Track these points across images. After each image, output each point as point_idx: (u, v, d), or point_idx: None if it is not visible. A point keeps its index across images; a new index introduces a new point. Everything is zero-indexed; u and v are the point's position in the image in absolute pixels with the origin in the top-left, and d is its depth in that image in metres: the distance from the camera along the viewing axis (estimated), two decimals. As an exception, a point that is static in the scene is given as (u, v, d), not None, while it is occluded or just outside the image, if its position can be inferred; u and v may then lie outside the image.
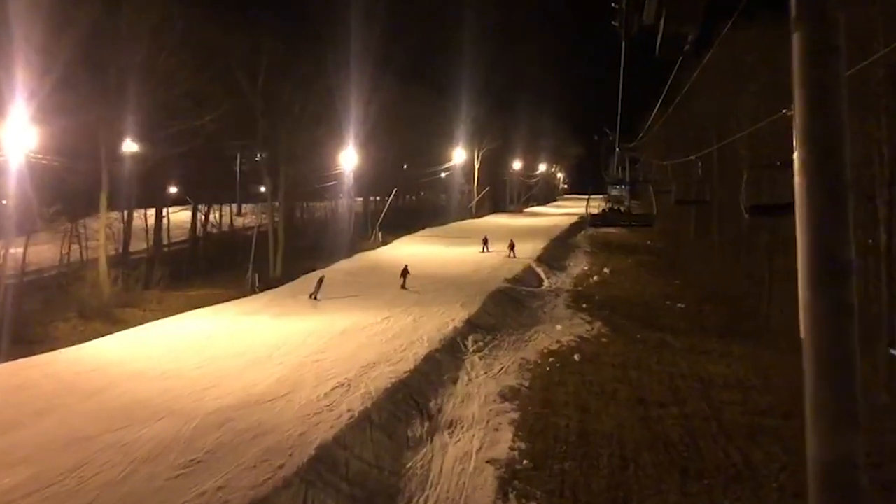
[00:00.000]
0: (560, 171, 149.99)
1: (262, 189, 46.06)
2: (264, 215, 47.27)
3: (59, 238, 38.02)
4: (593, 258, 55.95)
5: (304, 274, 40.18)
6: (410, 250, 51.20)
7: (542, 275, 45.37)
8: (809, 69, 3.44)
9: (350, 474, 15.77)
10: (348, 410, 18.40)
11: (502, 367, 25.91)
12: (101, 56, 31.65)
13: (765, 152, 32.48)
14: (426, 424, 19.96)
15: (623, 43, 9.94)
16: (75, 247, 38.54)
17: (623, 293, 42.45)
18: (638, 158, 41.41)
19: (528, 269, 45.36)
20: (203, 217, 50.82)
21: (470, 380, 24.24)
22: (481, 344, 27.96)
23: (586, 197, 57.26)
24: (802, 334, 3.39)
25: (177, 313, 30.69)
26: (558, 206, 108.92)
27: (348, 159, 52.51)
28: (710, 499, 16.69)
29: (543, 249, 53.92)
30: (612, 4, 6.05)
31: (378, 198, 67.61)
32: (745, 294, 38.23)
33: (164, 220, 47.20)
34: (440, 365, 24.46)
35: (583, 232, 67.80)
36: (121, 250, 41.23)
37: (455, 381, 23.77)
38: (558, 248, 57.69)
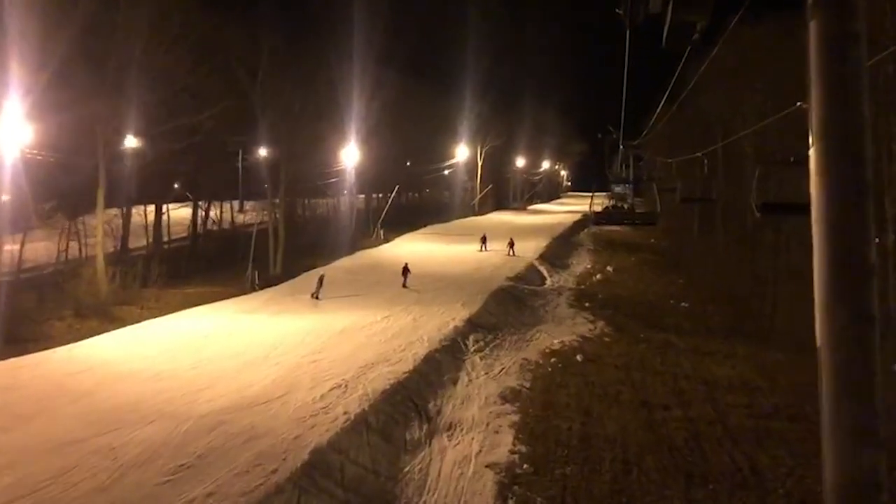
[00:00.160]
0: (564, 168, 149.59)
1: (266, 186, 45.58)
2: (265, 212, 46.87)
3: (56, 235, 37.59)
4: (596, 256, 55.60)
5: (304, 272, 39.90)
6: (412, 248, 50.92)
7: (545, 273, 45.02)
8: (827, 58, 3.14)
9: (345, 479, 15.37)
10: (345, 413, 18.01)
11: (503, 368, 25.52)
12: (97, 51, 31.17)
13: (769, 150, 32.08)
14: (425, 427, 19.56)
15: (627, 33, 9.49)
16: (73, 244, 38.09)
17: (626, 292, 42.06)
18: (642, 156, 41.09)
19: (531, 268, 45.00)
20: (203, 214, 50.41)
21: (470, 381, 23.85)
22: (482, 344, 27.57)
23: (590, 195, 56.99)
24: (819, 344, 3.08)
25: (175, 311, 30.39)
26: (562, 204, 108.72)
27: (350, 156, 52.09)
28: (716, 505, 16.32)
29: (546, 247, 53.63)
30: None
31: (380, 195, 67.19)
32: (750, 294, 37.79)
33: (165, 217, 46.78)
34: (440, 365, 24.08)
35: (586, 230, 67.41)
36: (119, 247, 40.84)
37: (455, 382, 23.38)
38: (561, 246, 57.33)
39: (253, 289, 36.26)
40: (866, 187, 3.05)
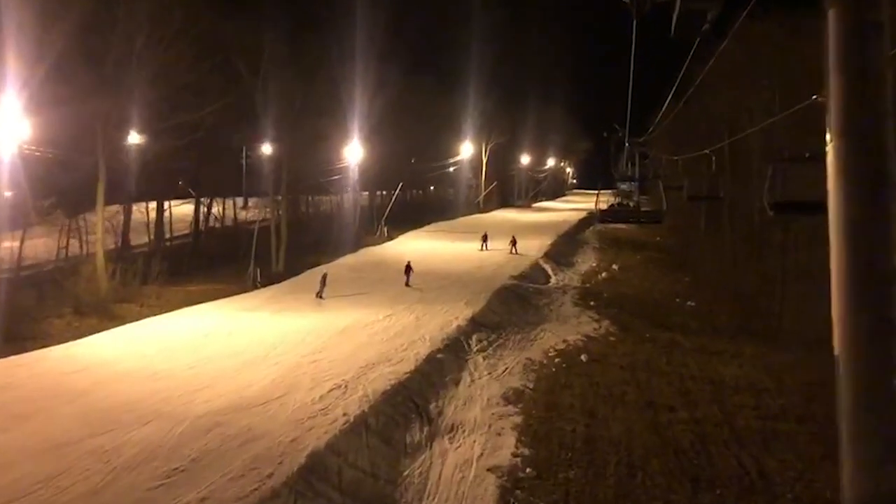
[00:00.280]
0: (569, 166, 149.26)
1: (270, 182, 45.25)
2: (268, 209, 46.58)
3: (56, 232, 37.32)
4: (602, 254, 55.22)
5: (307, 269, 39.67)
6: (416, 245, 50.69)
7: (550, 271, 44.67)
8: (846, 50, 3.02)
9: (343, 483, 15.05)
10: (344, 414, 17.70)
11: (506, 368, 25.19)
12: (97, 46, 30.88)
13: (776, 147, 31.64)
14: (426, 429, 19.24)
15: (634, 23, 9.13)
16: (74, 241, 37.83)
17: (632, 290, 41.67)
18: (647, 154, 40.71)
19: (535, 266, 44.66)
20: (206, 210, 50.14)
21: (472, 381, 23.52)
22: (485, 343, 27.25)
23: (595, 192, 56.65)
24: (836, 352, 2.98)
25: (176, 309, 30.19)
26: (567, 202, 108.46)
27: (353, 153, 51.74)
28: (723, 511, 15.99)
29: (551, 245, 53.28)
30: None
31: (384, 192, 66.86)
32: (757, 292, 37.37)
33: (167, 214, 46.49)
34: (442, 365, 23.77)
35: (591, 228, 66.93)
36: (120, 244, 40.56)
37: (457, 383, 23.06)
38: (566, 244, 56.98)
39: (254, 286, 36.01)
40: (888, 185, 2.94)
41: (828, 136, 3.10)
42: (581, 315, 34.25)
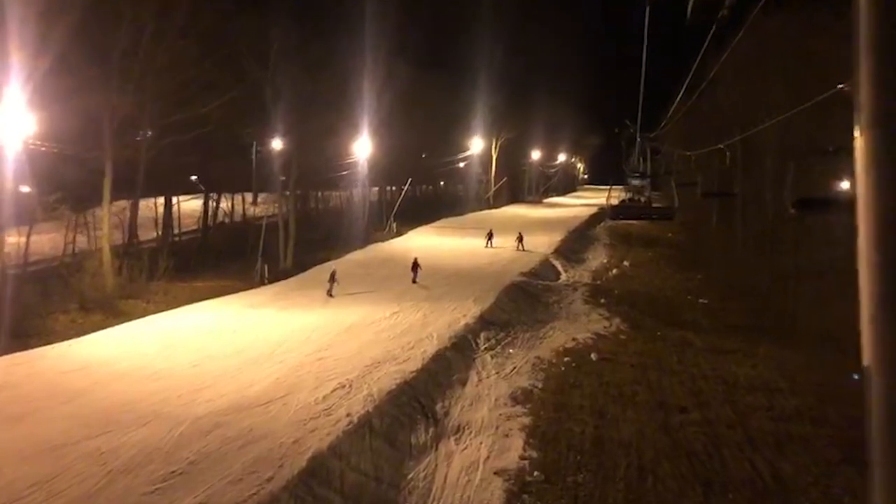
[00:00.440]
0: (580, 161, 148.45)
1: (283, 178, 44.90)
2: (277, 205, 46.26)
3: (63, 228, 37.10)
4: (612, 251, 54.67)
5: (316, 265, 39.39)
6: (425, 241, 50.34)
7: (560, 268, 44.20)
8: (878, 31, 2.58)
9: (345, 487, 14.67)
10: (347, 415, 17.32)
11: (515, 367, 24.79)
12: (103, 40, 30.56)
13: (788, 143, 31.15)
14: (431, 430, 18.83)
15: (647, 9, 8.68)
16: (80, 237, 37.61)
17: (643, 288, 41.18)
18: (659, 150, 40.28)
19: (545, 262, 44.21)
20: (214, 206, 49.90)
21: (480, 380, 23.12)
22: (493, 341, 26.84)
23: (606, 188, 56.13)
24: (865, 363, 2.57)
25: (182, 305, 29.92)
26: (578, 197, 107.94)
27: (362, 148, 51.32)
28: (736, 516, 15.55)
29: (561, 241, 52.84)
30: None
31: (393, 188, 66.47)
32: (770, 290, 36.74)
33: (175, 209, 46.26)
34: (449, 364, 23.38)
35: (602, 224, 66.36)
36: (127, 239, 40.29)
37: (464, 383, 22.66)
38: (577, 240, 56.49)
39: (262, 283, 35.74)
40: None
41: (856, 128, 2.75)
42: (591, 312, 33.82)
